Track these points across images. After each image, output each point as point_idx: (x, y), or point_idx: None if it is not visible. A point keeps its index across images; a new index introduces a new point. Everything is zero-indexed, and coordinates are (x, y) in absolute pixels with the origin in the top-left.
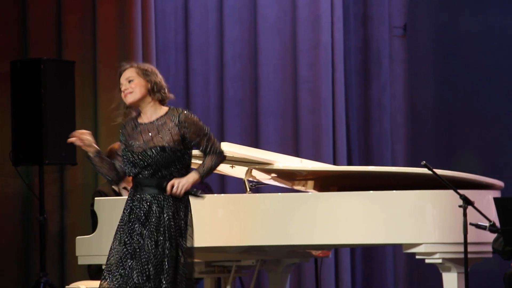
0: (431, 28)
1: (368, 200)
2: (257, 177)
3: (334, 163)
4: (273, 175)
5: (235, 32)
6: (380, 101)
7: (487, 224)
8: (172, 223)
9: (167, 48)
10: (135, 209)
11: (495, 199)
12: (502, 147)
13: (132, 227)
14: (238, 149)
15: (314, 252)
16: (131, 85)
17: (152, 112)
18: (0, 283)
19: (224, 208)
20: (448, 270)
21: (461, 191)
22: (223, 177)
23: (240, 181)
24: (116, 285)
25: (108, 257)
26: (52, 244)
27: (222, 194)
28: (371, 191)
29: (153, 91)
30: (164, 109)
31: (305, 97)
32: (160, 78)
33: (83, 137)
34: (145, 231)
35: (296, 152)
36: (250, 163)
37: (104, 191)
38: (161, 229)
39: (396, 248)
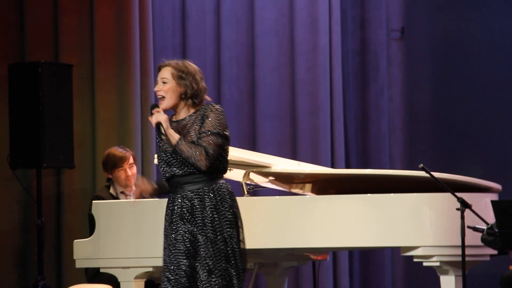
0: (428, 31)
1: (366, 203)
2: (255, 180)
3: (332, 166)
4: (271, 178)
5: (233, 34)
6: (378, 104)
7: (484, 227)
8: (215, 215)
9: (165, 50)
10: (177, 209)
11: (493, 202)
12: (499, 150)
13: (175, 228)
14: (235, 152)
15: (312, 256)
16: (164, 88)
17: (185, 112)
18: None
19: None
20: (445, 273)
21: (459, 194)
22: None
23: (237, 184)
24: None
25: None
26: (50, 248)
27: None
28: (369, 194)
29: (186, 97)
30: (198, 107)
31: (303, 100)
32: (198, 80)
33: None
34: (193, 228)
35: (293, 155)
36: (247, 166)
37: (102, 196)
38: (208, 223)
39: (394, 251)
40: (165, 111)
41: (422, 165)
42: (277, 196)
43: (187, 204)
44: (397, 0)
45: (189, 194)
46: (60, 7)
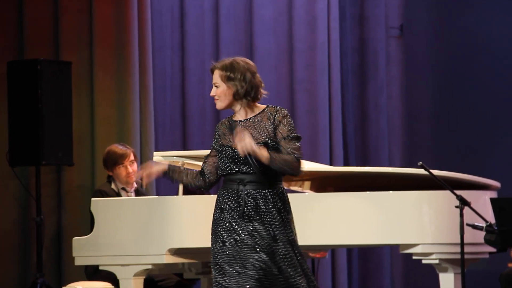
0: (427, 28)
1: (364, 201)
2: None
3: (331, 164)
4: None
5: (231, 32)
6: (377, 102)
7: (483, 224)
8: (277, 216)
9: (163, 48)
10: (238, 205)
11: (492, 200)
12: (499, 148)
13: (239, 224)
14: None
15: (311, 253)
16: (217, 92)
17: (246, 111)
18: None
19: None
20: (444, 270)
21: (458, 192)
22: (220, 178)
23: None
24: (235, 284)
25: (213, 260)
26: (49, 245)
27: None
28: (368, 192)
29: (239, 97)
30: (261, 107)
31: (302, 98)
32: (248, 77)
33: (149, 174)
34: (260, 226)
35: None
36: None
37: (105, 190)
38: (273, 223)
39: (393, 248)
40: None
41: (421, 162)
42: None
43: (252, 203)
44: None
45: (252, 192)
46: (59, 4)
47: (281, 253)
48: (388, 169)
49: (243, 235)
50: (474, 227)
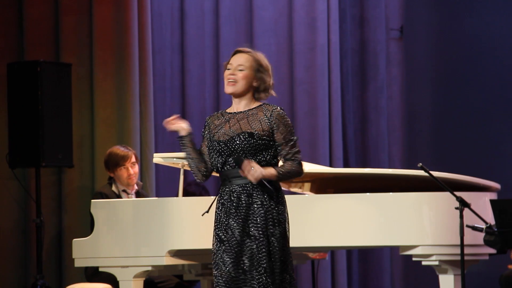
0: (427, 30)
1: (364, 202)
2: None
3: (331, 165)
4: None
5: (231, 33)
6: (377, 103)
7: (483, 226)
8: (262, 211)
9: (163, 49)
10: (225, 203)
11: (492, 201)
12: (499, 149)
13: (226, 222)
14: None
15: (311, 255)
16: (239, 74)
17: (245, 104)
18: None
19: None
20: (444, 272)
21: (458, 193)
22: (219, 179)
23: None
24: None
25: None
26: (49, 247)
27: None
28: (368, 193)
29: (257, 90)
30: (258, 102)
31: (302, 99)
32: (270, 76)
33: (175, 122)
34: (234, 223)
35: None
36: None
37: (105, 192)
38: (251, 218)
39: (393, 250)
40: (229, 94)
41: (421, 164)
42: None
43: (234, 199)
44: None
45: (237, 188)
46: (60, 6)
47: (252, 250)
48: (388, 170)
49: (224, 233)
50: (474, 228)
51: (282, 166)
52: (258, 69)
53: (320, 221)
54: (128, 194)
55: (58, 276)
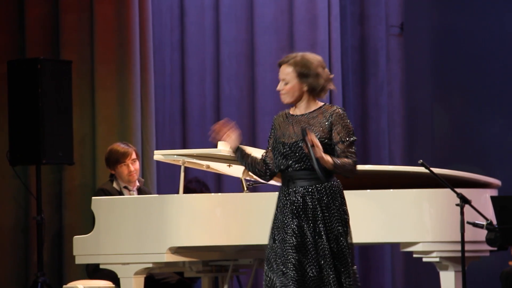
0: (428, 27)
1: (365, 199)
2: (254, 176)
3: None
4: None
5: (232, 31)
6: (377, 100)
7: (484, 222)
8: (326, 214)
9: (163, 46)
10: (289, 203)
11: (492, 198)
12: (499, 146)
13: (287, 222)
14: None
15: None
16: (286, 87)
17: (305, 106)
18: None
19: (221, 207)
20: (445, 268)
21: (458, 190)
22: (220, 176)
23: (237, 180)
24: (279, 283)
25: (266, 255)
26: (50, 244)
27: (220, 193)
28: (369, 190)
29: (310, 92)
30: (319, 103)
31: None
32: (321, 75)
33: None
34: (304, 225)
35: None
36: None
37: (107, 189)
38: (319, 221)
39: (394, 246)
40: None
41: (421, 161)
42: (276, 192)
43: (299, 200)
44: None
45: (301, 189)
46: (60, 3)
47: (323, 250)
48: (388, 167)
49: (289, 234)
50: (475, 225)
51: (337, 158)
52: (302, 74)
53: None
54: (129, 190)
55: (59, 273)
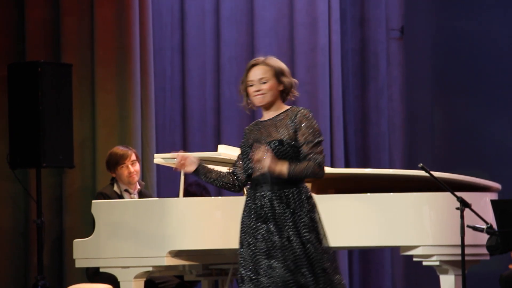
0: (428, 30)
1: (365, 203)
2: None
3: (332, 166)
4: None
5: (232, 34)
6: (378, 104)
7: (484, 226)
8: (296, 218)
9: (164, 49)
10: (256, 208)
11: (493, 202)
12: (499, 149)
13: (254, 226)
14: (235, 152)
15: None
16: (264, 86)
17: (275, 109)
18: None
19: (221, 211)
20: (445, 272)
21: (458, 193)
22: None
23: None
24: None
25: (238, 262)
26: (50, 247)
27: (220, 197)
28: (369, 194)
29: (285, 93)
30: (286, 106)
31: (303, 100)
32: (290, 77)
33: (185, 162)
34: (273, 229)
35: None
36: None
37: (106, 193)
38: (286, 224)
39: (394, 250)
40: (260, 106)
41: (421, 164)
42: None
43: (267, 204)
44: (396, 0)
45: (269, 194)
46: (60, 7)
47: (294, 255)
48: (388, 170)
49: (259, 239)
50: (475, 228)
51: (296, 164)
52: (278, 73)
53: None
54: (130, 194)
55: (59, 277)
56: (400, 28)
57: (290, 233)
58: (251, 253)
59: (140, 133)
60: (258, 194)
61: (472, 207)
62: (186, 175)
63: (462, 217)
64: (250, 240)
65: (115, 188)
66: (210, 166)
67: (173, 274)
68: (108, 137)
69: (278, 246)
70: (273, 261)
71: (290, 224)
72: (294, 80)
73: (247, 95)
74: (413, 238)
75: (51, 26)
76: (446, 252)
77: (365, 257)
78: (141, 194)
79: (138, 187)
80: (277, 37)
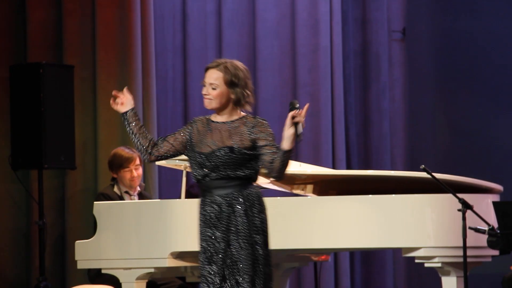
0: (430, 32)
1: (367, 204)
2: (256, 181)
3: (333, 167)
4: (272, 179)
5: (234, 36)
6: (379, 105)
7: (486, 228)
8: (245, 219)
9: (165, 51)
10: (206, 214)
11: (494, 203)
12: (501, 151)
13: (205, 233)
14: None
15: (314, 257)
16: (212, 92)
17: (228, 115)
18: None
19: None
20: (447, 274)
21: (460, 195)
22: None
23: None
24: None
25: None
26: (52, 249)
27: None
28: (370, 195)
29: (237, 102)
30: (241, 114)
31: (304, 101)
32: (249, 85)
33: (124, 102)
34: (218, 233)
35: (295, 156)
36: None
37: (107, 193)
38: (232, 228)
39: (396, 252)
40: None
41: (423, 166)
42: (278, 197)
43: (216, 210)
44: (398, 1)
45: (218, 198)
46: (62, 8)
47: (230, 260)
48: (390, 172)
49: (205, 246)
50: (477, 230)
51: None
52: (231, 82)
53: (322, 223)
54: (130, 195)
55: (61, 278)
56: (401, 30)
57: (232, 236)
58: (202, 260)
59: None
60: (207, 200)
61: (474, 208)
62: (188, 176)
63: (464, 218)
64: (205, 244)
65: (115, 189)
66: (140, 122)
67: (175, 276)
68: (110, 139)
69: (219, 252)
70: (219, 266)
71: (239, 227)
72: (249, 91)
73: None
74: (415, 239)
75: (53, 27)
76: (448, 253)
77: (367, 259)
78: (141, 196)
79: (139, 189)
80: (278, 39)
